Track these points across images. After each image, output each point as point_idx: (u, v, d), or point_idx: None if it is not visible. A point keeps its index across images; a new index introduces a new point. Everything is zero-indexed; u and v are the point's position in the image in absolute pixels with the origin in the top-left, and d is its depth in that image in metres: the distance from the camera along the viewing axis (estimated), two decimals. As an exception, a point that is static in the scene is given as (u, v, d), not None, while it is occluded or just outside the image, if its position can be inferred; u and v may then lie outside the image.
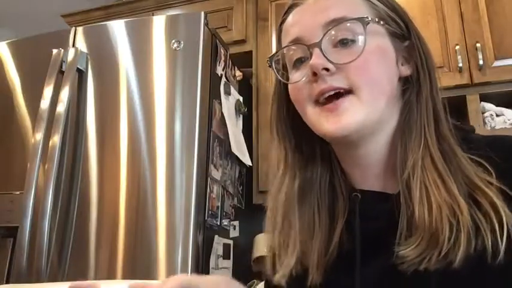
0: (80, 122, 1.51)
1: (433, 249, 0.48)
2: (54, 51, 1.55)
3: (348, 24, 0.55)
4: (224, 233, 1.55)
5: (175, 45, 1.49)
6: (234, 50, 1.92)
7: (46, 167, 1.39)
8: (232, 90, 1.73)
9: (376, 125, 0.56)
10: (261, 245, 1.82)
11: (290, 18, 0.62)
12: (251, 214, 1.90)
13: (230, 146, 1.63)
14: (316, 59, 0.54)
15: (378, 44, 0.56)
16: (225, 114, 1.62)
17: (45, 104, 1.47)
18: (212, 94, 1.53)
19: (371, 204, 0.58)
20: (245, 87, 1.93)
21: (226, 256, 1.54)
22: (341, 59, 0.54)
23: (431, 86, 0.57)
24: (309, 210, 0.60)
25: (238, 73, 1.85)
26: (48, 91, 1.48)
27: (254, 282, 1.61)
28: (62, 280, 1.34)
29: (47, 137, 1.41)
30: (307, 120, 0.59)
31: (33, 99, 1.57)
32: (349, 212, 0.59)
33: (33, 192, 1.36)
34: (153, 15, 2.13)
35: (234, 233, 1.64)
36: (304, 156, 0.63)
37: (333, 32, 0.55)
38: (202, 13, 1.53)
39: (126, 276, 1.30)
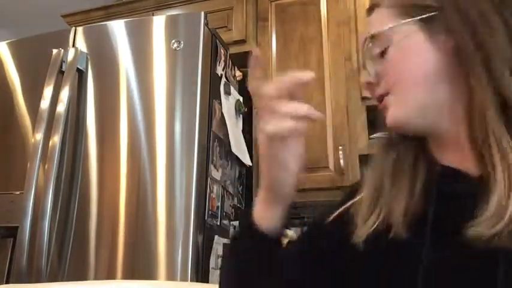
0: (80, 122, 1.51)
1: (505, 226, 0.48)
2: (54, 51, 1.55)
3: (375, 40, 0.61)
4: (224, 233, 1.55)
5: (175, 45, 1.49)
6: (234, 50, 1.92)
7: (46, 167, 1.39)
8: (232, 90, 1.73)
9: (426, 111, 0.58)
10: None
11: None
12: (251, 214, 1.90)
13: (230, 146, 1.63)
14: (362, 78, 0.65)
15: (402, 44, 0.59)
16: (225, 114, 1.62)
17: (45, 104, 1.47)
18: (212, 94, 1.53)
19: (449, 181, 0.58)
20: (245, 87, 1.93)
21: (226, 256, 1.54)
22: (374, 72, 0.62)
23: (495, 50, 0.54)
24: (400, 179, 0.62)
25: (238, 73, 1.85)
26: (48, 91, 1.48)
27: (254, 282, 1.60)
28: (62, 280, 1.34)
29: (47, 137, 1.42)
30: None
31: (33, 99, 1.57)
32: (428, 184, 0.60)
33: (33, 192, 1.36)
34: (153, 15, 2.13)
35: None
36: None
37: (365, 50, 0.63)
38: (202, 13, 1.53)
39: (126, 276, 1.30)
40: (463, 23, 0.56)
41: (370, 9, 0.65)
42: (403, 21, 0.59)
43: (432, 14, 0.58)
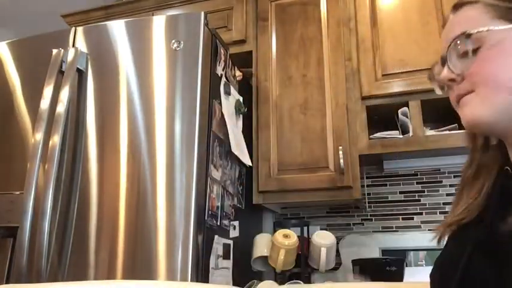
0: (80, 122, 1.51)
1: None
2: (54, 51, 1.55)
3: (464, 39, 0.61)
4: (224, 233, 1.55)
5: (175, 45, 1.49)
6: (234, 50, 1.93)
7: (46, 167, 1.39)
8: (232, 90, 1.73)
9: (504, 113, 0.59)
10: (261, 245, 1.82)
11: None
12: (251, 214, 1.90)
13: (230, 146, 1.63)
14: (442, 74, 0.64)
15: (497, 46, 0.59)
16: (225, 114, 1.62)
17: (45, 104, 1.47)
18: (212, 94, 1.53)
19: None
20: (245, 87, 1.93)
21: (226, 256, 1.54)
22: (461, 68, 0.61)
23: None
24: (477, 184, 0.66)
25: (238, 73, 1.85)
26: (48, 91, 1.48)
27: (254, 282, 1.60)
28: (62, 280, 1.34)
29: (47, 137, 1.42)
30: None
31: (33, 99, 1.57)
32: (499, 187, 0.63)
33: (33, 192, 1.36)
34: (153, 15, 2.13)
35: (234, 233, 1.64)
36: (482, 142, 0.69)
37: (453, 46, 0.62)
38: (202, 13, 1.53)
39: (126, 276, 1.30)
40: None
41: (460, 5, 0.65)
42: (504, 26, 0.60)
43: None
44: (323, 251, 1.73)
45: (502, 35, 0.60)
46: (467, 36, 0.61)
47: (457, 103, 0.64)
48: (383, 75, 1.81)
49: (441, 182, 1.94)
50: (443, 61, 0.65)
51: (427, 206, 1.93)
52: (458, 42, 0.62)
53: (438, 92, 0.70)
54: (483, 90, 0.59)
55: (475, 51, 0.60)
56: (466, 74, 0.61)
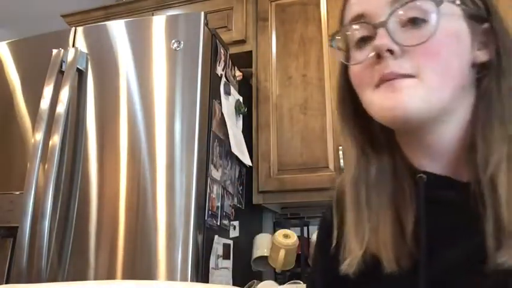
0: (80, 122, 1.51)
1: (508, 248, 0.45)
2: (54, 51, 1.55)
3: (419, 3, 0.49)
4: (224, 233, 1.55)
5: (175, 45, 1.49)
6: (234, 50, 1.92)
7: (46, 167, 1.39)
8: (232, 90, 1.73)
9: (441, 112, 0.51)
10: (261, 245, 1.82)
11: None
12: (251, 214, 1.90)
13: (230, 146, 1.63)
14: (381, 40, 0.49)
15: (451, 26, 0.50)
16: (225, 114, 1.62)
17: (45, 104, 1.47)
18: (212, 94, 1.53)
19: (438, 189, 0.54)
20: (245, 87, 1.93)
21: (226, 256, 1.54)
22: (409, 40, 0.49)
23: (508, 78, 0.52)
24: (378, 198, 0.56)
25: (238, 73, 1.85)
26: (48, 91, 1.48)
27: (254, 282, 1.61)
28: (62, 280, 1.34)
29: (47, 137, 1.42)
30: (364, 104, 0.55)
31: (33, 99, 1.57)
32: (415, 197, 0.55)
33: (33, 192, 1.36)
34: (153, 15, 2.13)
35: (234, 233, 1.64)
36: (370, 142, 0.59)
37: (400, 11, 0.50)
38: (202, 13, 1.53)
39: (126, 276, 1.30)
40: (502, 39, 0.53)
41: None
42: (457, 0, 0.51)
43: (484, 18, 0.53)
44: (323, 251, 1.72)
45: (454, 14, 0.51)
46: (439, 2, 0.49)
47: (379, 82, 0.51)
48: (383, 75, 1.81)
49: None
50: (369, 21, 0.52)
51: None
52: (414, 4, 0.50)
53: (340, 59, 0.57)
54: (432, 78, 0.49)
55: (425, 21, 0.50)
56: (412, 48, 0.49)
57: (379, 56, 0.50)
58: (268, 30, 2.03)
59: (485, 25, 0.54)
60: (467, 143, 0.53)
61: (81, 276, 1.33)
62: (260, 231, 1.99)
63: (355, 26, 0.54)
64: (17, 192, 1.46)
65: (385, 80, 0.50)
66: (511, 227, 0.46)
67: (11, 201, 1.47)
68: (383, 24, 0.50)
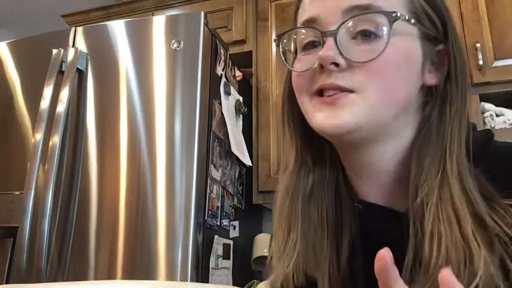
0: (80, 122, 1.51)
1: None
2: (54, 51, 1.55)
3: (373, 16, 0.47)
4: (224, 233, 1.55)
5: (175, 45, 1.49)
6: (234, 50, 1.92)
7: (46, 167, 1.39)
8: (232, 90, 1.73)
9: (379, 132, 0.50)
10: (261, 245, 1.82)
11: None
12: (251, 214, 1.90)
13: (230, 146, 1.63)
14: (327, 51, 0.47)
15: (403, 46, 0.48)
16: (225, 114, 1.62)
17: (45, 104, 1.47)
18: (212, 94, 1.53)
19: (374, 219, 0.52)
20: (245, 87, 1.93)
21: (226, 256, 1.54)
22: (356, 55, 0.47)
23: (460, 104, 0.49)
24: (314, 217, 0.54)
25: (238, 73, 1.85)
26: (48, 91, 1.48)
27: (254, 282, 1.60)
28: (62, 280, 1.34)
29: (47, 137, 1.42)
30: (302, 109, 0.53)
31: (33, 99, 1.57)
32: (353, 225, 0.53)
33: (33, 192, 1.36)
34: (153, 15, 2.13)
35: (234, 233, 1.64)
36: (313, 154, 0.57)
37: (351, 23, 0.47)
38: (202, 13, 1.53)
39: (126, 276, 1.30)
40: (454, 64, 0.50)
41: None
42: (413, 19, 0.48)
43: (439, 42, 0.51)
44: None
45: (408, 32, 0.48)
46: (392, 20, 0.46)
47: (317, 91, 0.49)
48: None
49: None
50: (319, 28, 0.49)
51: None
52: (367, 17, 0.47)
53: (288, 66, 0.55)
54: (373, 96, 0.47)
55: (376, 36, 0.47)
56: (358, 64, 0.47)
57: (322, 67, 0.48)
58: (268, 30, 2.02)
59: (440, 46, 0.51)
60: (406, 167, 0.51)
61: (81, 276, 1.33)
62: (260, 231, 1.99)
63: (303, 30, 0.52)
64: (17, 192, 1.46)
65: (324, 90, 0.48)
66: (429, 262, 0.44)
67: (11, 201, 1.47)
68: (332, 34, 0.47)
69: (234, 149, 1.63)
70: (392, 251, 0.46)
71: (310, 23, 0.51)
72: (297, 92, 0.54)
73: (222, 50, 1.66)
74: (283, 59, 0.55)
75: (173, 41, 1.49)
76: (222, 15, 2.07)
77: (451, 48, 0.51)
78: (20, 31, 2.35)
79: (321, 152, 0.57)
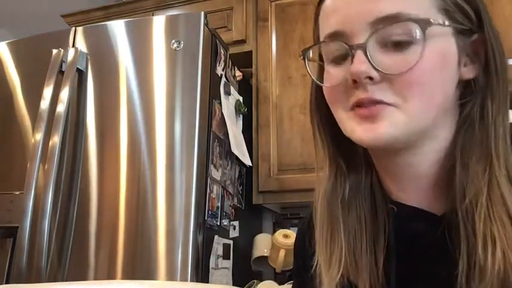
0: (80, 122, 1.51)
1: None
2: (54, 51, 1.55)
3: (403, 25, 0.44)
4: (224, 233, 1.55)
5: (175, 45, 1.49)
6: (234, 50, 1.92)
7: (46, 167, 1.39)
8: (232, 90, 1.73)
9: (418, 137, 0.48)
10: (261, 245, 1.82)
11: (330, 0, 0.50)
12: (251, 214, 1.90)
13: (230, 146, 1.63)
14: (359, 66, 0.45)
15: (437, 49, 0.46)
16: (225, 114, 1.62)
17: (45, 104, 1.47)
18: (212, 94, 1.53)
19: (410, 221, 0.51)
20: (245, 87, 1.93)
21: (226, 256, 1.54)
22: (389, 66, 0.45)
23: (502, 96, 0.47)
24: (353, 223, 0.53)
25: (238, 73, 1.85)
26: (48, 91, 1.48)
27: (254, 282, 1.61)
28: (62, 280, 1.34)
29: (47, 137, 1.42)
30: (337, 120, 0.51)
31: (33, 99, 1.57)
32: (388, 228, 0.52)
33: (33, 192, 1.36)
34: (153, 15, 2.13)
35: (234, 233, 1.64)
36: (347, 157, 0.56)
37: (380, 33, 0.45)
38: (202, 13, 1.53)
39: (126, 276, 1.30)
40: (492, 54, 0.48)
41: None
42: (446, 21, 0.46)
43: (474, 33, 0.48)
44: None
45: (442, 34, 0.46)
46: (424, 27, 0.44)
47: (354, 105, 0.47)
48: (383, 75, 1.80)
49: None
50: (346, 41, 0.47)
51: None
52: (398, 26, 0.44)
53: (317, 81, 0.53)
54: (413, 106, 0.45)
55: (409, 44, 0.45)
56: (394, 76, 0.44)
57: (355, 81, 0.46)
58: (268, 30, 2.02)
59: (474, 37, 0.49)
60: (446, 169, 0.49)
61: (81, 276, 1.33)
62: (260, 231, 1.99)
63: (331, 44, 0.50)
64: (17, 192, 1.46)
65: (361, 105, 0.46)
66: (484, 267, 0.42)
67: (11, 201, 1.47)
68: (361, 47, 0.45)
69: (234, 149, 1.63)
70: (427, 254, 0.47)
71: (336, 36, 0.49)
72: (330, 104, 0.52)
73: (222, 50, 1.66)
74: (309, 71, 0.53)
75: (173, 41, 1.49)
76: (222, 15, 2.07)
77: (487, 37, 0.48)
78: (20, 31, 2.35)
79: (354, 155, 0.56)
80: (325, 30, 0.51)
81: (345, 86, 0.48)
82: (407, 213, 0.51)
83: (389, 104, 0.45)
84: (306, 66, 0.53)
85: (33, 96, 1.58)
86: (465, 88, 0.50)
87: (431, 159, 0.50)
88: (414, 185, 0.51)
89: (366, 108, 0.46)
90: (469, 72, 0.49)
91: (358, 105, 0.47)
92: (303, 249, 0.60)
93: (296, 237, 0.67)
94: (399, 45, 0.45)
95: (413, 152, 0.50)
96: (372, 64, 0.45)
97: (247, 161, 1.77)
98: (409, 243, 0.50)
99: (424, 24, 0.44)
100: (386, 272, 0.50)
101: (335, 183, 0.55)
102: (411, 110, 0.45)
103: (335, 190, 0.54)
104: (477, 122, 0.47)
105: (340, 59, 0.49)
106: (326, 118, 0.55)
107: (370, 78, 0.45)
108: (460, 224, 0.45)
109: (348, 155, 0.55)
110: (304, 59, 0.53)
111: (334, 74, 0.49)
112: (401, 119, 0.45)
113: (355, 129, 0.47)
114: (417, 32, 0.44)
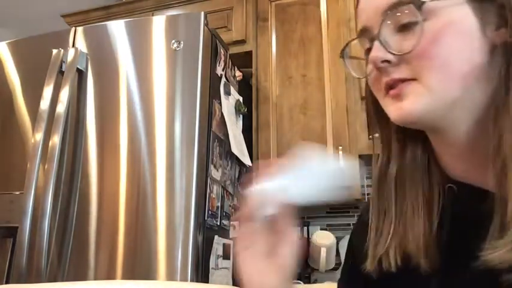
0: (80, 122, 1.51)
1: None
2: (54, 51, 1.55)
3: (406, 7, 0.48)
4: (224, 233, 1.55)
5: (175, 45, 1.49)
6: (234, 50, 1.93)
7: (46, 167, 1.39)
8: (232, 90, 1.73)
9: (452, 108, 0.49)
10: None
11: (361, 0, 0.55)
12: (251, 214, 1.90)
13: (230, 146, 1.63)
14: (375, 53, 0.50)
15: (444, 20, 0.48)
16: (225, 114, 1.62)
17: (45, 104, 1.47)
18: (212, 94, 1.53)
19: (466, 201, 0.52)
20: (245, 87, 1.93)
21: (226, 256, 1.54)
22: (400, 47, 0.49)
23: None
24: (410, 198, 0.55)
25: (238, 73, 1.85)
26: (48, 91, 1.48)
27: (254, 282, 1.60)
28: (62, 280, 1.34)
29: (47, 137, 1.42)
30: (384, 110, 0.55)
31: (33, 99, 1.57)
32: (442, 206, 0.54)
33: (33, 192, 1.36)
34: (153, 15, 2.13)
35: (234, 233, 1.64)
36: (402, 139, 0.58)
37: (389, 22, 0.49)
38: (202, 13, 1.53)
39: (126, 276, 1.30)
40: None
41: None
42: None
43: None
44: (323, 251, 1.73)
45: (454, 8, 0.48)
46: (419, 5, 0.47)
47: (386, 92, 0.51)
48: (383, 75, 1.81)
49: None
50: (368, 35, 0.52)
51: (427, 206, 1.93)
52: (400, 11, 0.48)
53: (355, 75, 0.57)
54: (430, 78, 0.48)
55: (416, 23, 0.48)
56: (406, 55, 0.48)
57: (378, 68, 0.50)
58: (268, 30, 2.03)
59: (499, 0, 0.49)
60: (483, 134, 0.49)
61: (81, 276, 1.33)
62: (260, 231, 1.99)
63: (359, 40, 0.56)
64: (17, 192, 1.46)
65: (389, 87, 0.50)
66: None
67: (11, 201, 1.47)
68: (375, 37, 0.50)
69: (234, 149, 1.63)
70: (481, 231, 0.47)
71: (363, 32, 0.54)
72: (374, 92, 0.56)
73: (222, 50, 1.66)
74: (349, 67, 0.58)
75: (173, 41, 1.49)
76: (222, 15, 2.07)
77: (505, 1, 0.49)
78: (20, 31, 2.35)
79: (411, 136, 0.58)
80: (358, 26, 0.56)
81: (375, 75, 0.52)
82: (466, 193, 0.52)
83: (410, 80, 0.49)
84: (345, 65, 0.58)
85: (33, 96, 1.58)
86: (505, 53, 0.49)
87: (476, 126, 0.50)
88: (470, 160, 0.52)
89: (393, 89, 0.50)
90: (500, 37, 0.49)
91: (388, 88, 0.51)
92: (357, 245, 0.62)
93: (351, 233, 0.70)
94: (407, 27, 0.49)
95: (454, 122, 0.51)
96: (386, 49, 0.49)
97: (247, 161, 1.77)
98: (462, 220, 0.52)
99: (419, 1, 0.48)
100: (438, 247, 0.52)
101: (387, 164, 0.57)
102: (430, 83, 0.48)
103: (390, 170, 0.57)
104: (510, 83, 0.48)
105: (369, 52, 0.54)
106: (377, 105, 0.59)
107: (388, 62, 0.49)
108: (495, 187, 0.46)
109: (403, 137, 0.58)
110: (343, 58, 0.58)
111: (368, 68, 0.54)
112: (424, 93, 0.48)
113: (390, 110, 0.51)
114: (416, 11, 0.48)
